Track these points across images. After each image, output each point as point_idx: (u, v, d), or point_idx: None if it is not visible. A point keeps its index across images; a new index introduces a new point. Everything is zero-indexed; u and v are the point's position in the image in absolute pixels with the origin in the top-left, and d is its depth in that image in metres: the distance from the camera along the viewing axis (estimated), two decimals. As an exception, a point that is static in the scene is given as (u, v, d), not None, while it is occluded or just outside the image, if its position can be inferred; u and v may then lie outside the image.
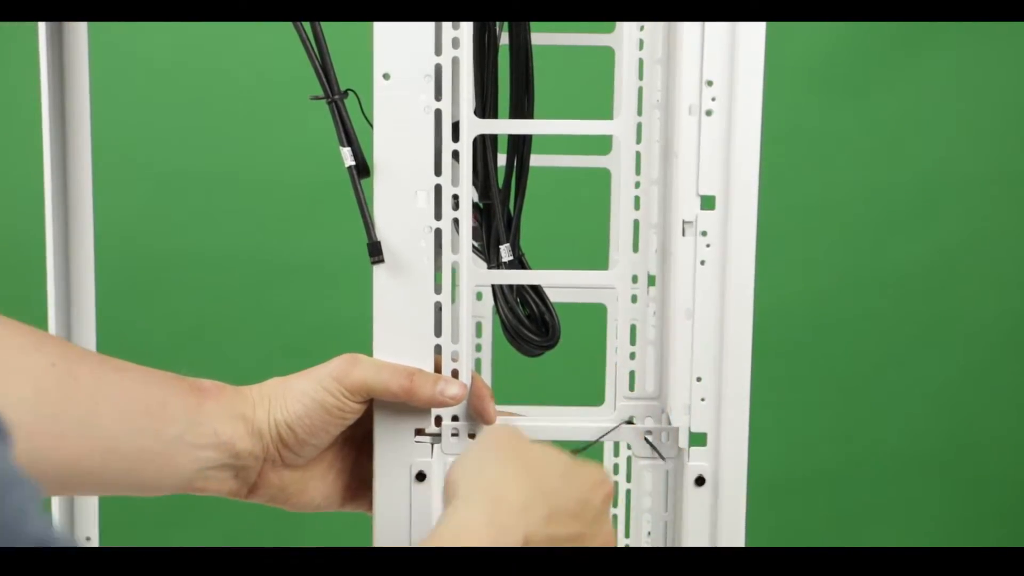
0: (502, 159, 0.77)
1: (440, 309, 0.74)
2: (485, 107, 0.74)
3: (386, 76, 0.70)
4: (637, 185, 0.76)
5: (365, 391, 0.71)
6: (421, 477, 0.74)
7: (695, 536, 0.73)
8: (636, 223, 0.76)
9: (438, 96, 0.71)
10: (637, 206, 0.76)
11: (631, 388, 0.77)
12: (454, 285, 0.74)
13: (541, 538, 0.64)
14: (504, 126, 0.74)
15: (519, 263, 0.77)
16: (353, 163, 0.72)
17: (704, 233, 0.71)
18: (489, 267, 0.76)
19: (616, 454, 0.86)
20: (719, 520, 0.73)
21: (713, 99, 0.70)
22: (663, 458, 0.75)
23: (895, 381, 1.85)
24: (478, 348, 0.84)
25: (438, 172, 0.72)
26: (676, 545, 0.75)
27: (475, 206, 0.76)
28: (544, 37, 0.76)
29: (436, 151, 0.72)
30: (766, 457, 1.57)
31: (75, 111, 0.83)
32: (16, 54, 1.61)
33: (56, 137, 0.83)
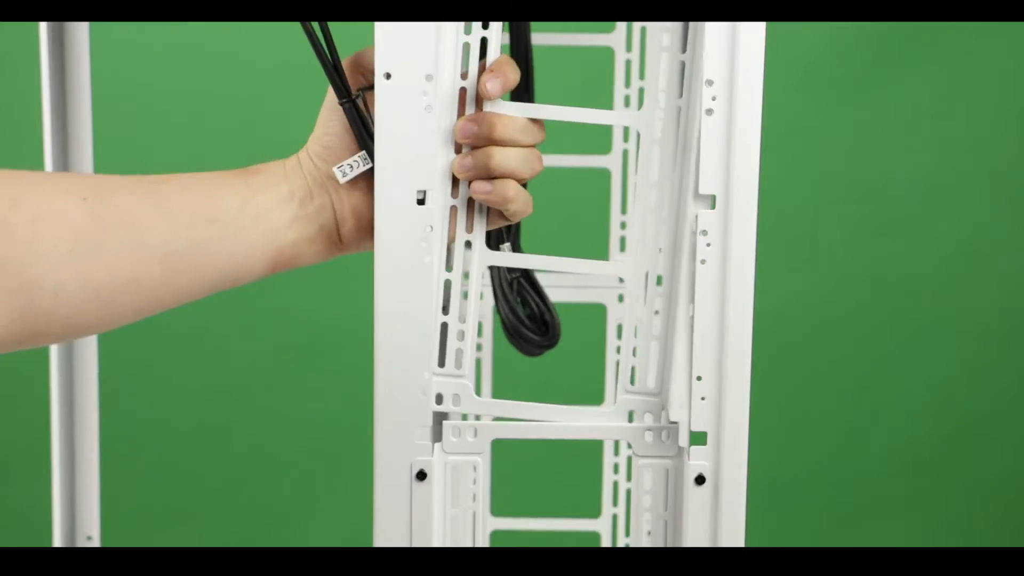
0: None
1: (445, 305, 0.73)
2: (485, 107, 0.74)
3: (387, 76, 0.70)
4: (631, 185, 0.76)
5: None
6: (421, 476, 0.74)
7: (695, 536, 0.73)
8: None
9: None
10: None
11: (632, 382, 0.77)
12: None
13: None
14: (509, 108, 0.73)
15: (519, 263, 0.77)
16: (370, 166, 0.72)
17: (704, 232, 0.71)
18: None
19: (616, 453, 0.87)
20: (719, 520, 0.73)
21: (713, 99, 0.70)
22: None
23: (895, 381, 1.85)
24: (479, 348, 0.84)
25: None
26: (676, 545, 0.75)
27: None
28: (544, 37, 0.76)
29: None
30: (766, 457, 1.57)
31: (76, 111, 0.84)
32: (17, 54, 1.61)
33: (57, 137, 0.83)
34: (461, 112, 0.71)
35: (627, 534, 0.85)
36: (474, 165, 0.70)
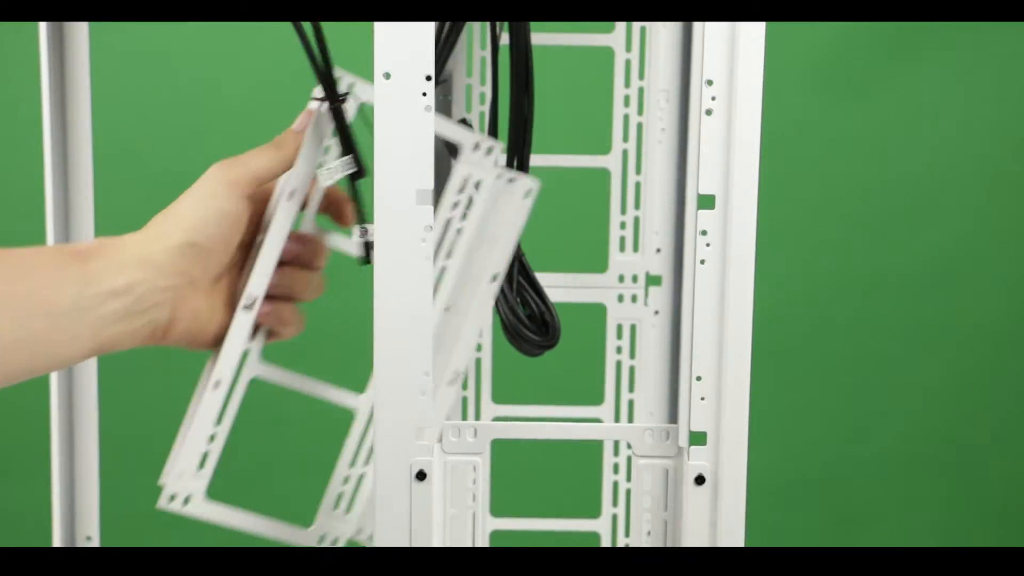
0: (502, 159, 0.77)
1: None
2: (485, 107, 0.74)
3: (386, 76, 0.70)
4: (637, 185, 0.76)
5: (250, 179, 0.72)
6: (421, 476, 0.74)
7: (695, 536, 0.73)
8: (636, 220, 0.76)
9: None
10: (637, 205, 0.76)
11: (631, 389, 0.77)
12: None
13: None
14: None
15: (519, 263, 0.77)
16: (354, 169, 0.72)
17: (704, 233, 0.71)
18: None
19: (616, 453, 0.87)
20: (719, 520, 0.73)
21: (713, 99, 0.70)
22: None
23: (895, 381, 1.85)
24: (478, 348, 0.84)
25: (438, 171, 0.72)
26: (676, 545, 0.75)
27: (475, 206, 0.76)
28: (544, 37, 0.76)
29: (436, 150, 0.72)
30: (766, 457, 1.57)
31: (76, 111, 0.83)
32: (17, 54, 1.61)
33: (57, 137, 0.83)
34: None
35: (627, 534, 0.85)
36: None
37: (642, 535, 0.80)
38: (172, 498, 0.70)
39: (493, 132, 0.78)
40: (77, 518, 0.88)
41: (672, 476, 0.76)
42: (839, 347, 1.84)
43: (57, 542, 0.83)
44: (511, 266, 0.78)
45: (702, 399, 0.73)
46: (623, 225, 0.78)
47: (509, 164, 0.77)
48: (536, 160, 0.77)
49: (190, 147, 1.73)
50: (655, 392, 0.79)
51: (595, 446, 0.80)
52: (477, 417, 0.83)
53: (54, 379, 0.85)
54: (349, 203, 0.75)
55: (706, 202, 0.71)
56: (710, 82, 0.70)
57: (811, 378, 1.84)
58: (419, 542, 0.72)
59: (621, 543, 0.84)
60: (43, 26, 0.81)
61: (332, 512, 0.78)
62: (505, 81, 0.75)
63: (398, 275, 0.72)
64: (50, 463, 0.85)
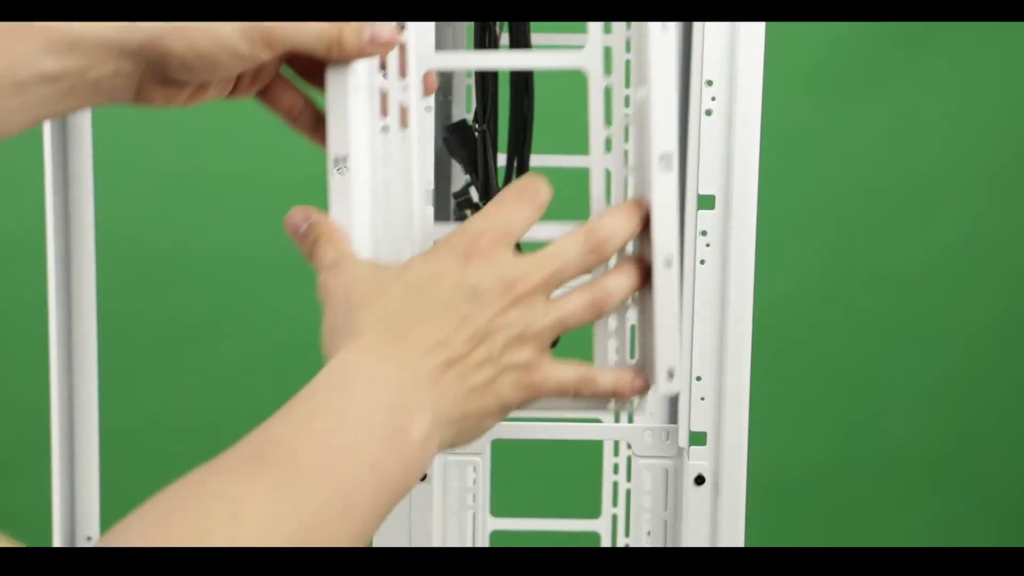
0: (502, 159, 0.77)
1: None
2: (486, 108, 0.74)
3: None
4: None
5: (286, 43, 0.62)
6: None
7: (695, 535, 0.73)
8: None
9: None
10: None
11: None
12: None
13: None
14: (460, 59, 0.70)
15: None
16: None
17: (704, 233, 0.71)
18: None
19: (616, 453, 0.87)
20: (719, 519, 0.73)
21: (713, 99, 0.70)
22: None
23: (895, 381, 1.85)
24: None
25: (439, 171, 0.72)
26: (676, 545, 0.75)
27: (475, 206, 0.76)
28: (544, 37, 0.76)
29: (436, 150, 0.72)
30: (766, 457, 1.57)
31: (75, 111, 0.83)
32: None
33: (56, 136, 0.83)
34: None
35: (627, 534, 0.85)
36: None
37: (642, 535, 0.80)
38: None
39: (493, 132, 0.78)
40: (77, 518, 0.88)
41: (672, 476, 0.76)
42: (839, 347, 1.84)
43: (57, 542, 0.83)
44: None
45: (702, 399, 0.73)
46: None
47: (509, 164, 0.77)
48: (536, 160, 0.77)
49: (190, 147, 1.74)
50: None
51: (595, 446, 0.80)
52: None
53: (54, 379, 0.85)
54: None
55: (706, 202, 0.71)
56: (710, 82, 0.70)
57: (811, 378, 1.84)
58: (419, 542, 0.72)
59: (621, 543, 0.84)
60: (43, 26, 0.81)
61: None
62: (505, 81, 0.75)
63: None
64: (50, 463, 0.85)
